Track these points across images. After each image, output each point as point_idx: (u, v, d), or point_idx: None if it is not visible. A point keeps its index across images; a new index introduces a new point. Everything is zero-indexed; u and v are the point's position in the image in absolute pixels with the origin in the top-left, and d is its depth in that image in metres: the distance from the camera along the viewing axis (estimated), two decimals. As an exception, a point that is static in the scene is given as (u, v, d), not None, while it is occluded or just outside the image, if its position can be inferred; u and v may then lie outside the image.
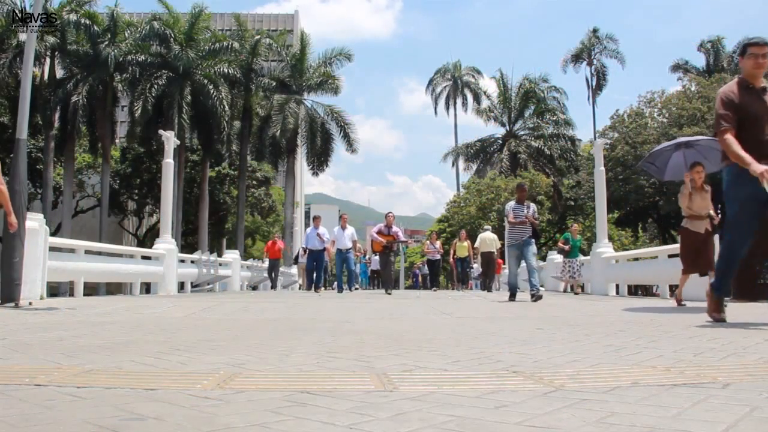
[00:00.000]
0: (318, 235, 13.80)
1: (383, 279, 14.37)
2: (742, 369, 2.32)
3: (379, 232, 12.81)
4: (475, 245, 25.11)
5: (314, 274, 14.07)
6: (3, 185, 5.63)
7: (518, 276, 9.22)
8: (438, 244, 16.76)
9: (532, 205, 9.03)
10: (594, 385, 1.99)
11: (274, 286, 18.25)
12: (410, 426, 1.48)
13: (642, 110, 29.33)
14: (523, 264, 9.36)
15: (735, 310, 6.31)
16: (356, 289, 14.67)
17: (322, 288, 15.16)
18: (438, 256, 16.54)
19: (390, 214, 13.20)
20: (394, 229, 12.99)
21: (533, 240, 8.80)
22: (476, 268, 22.66)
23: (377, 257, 17.94)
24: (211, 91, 27.95)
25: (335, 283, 15.30)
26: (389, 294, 11.72)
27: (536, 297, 8.35)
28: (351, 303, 8.07)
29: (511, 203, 9.08)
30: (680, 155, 8.55)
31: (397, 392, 1.89)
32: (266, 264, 21.89)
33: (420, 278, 32.56)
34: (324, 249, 14.02)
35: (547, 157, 36.51)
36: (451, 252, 16.51)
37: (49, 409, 1.67)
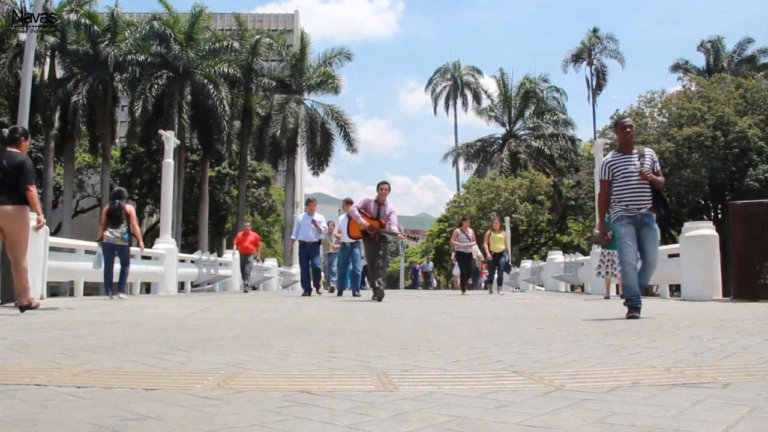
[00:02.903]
0: (313, 222, 10.81)
1: (369, 277, 9.27)
2: (742, 369, 2.32)
3: (365, 210, 8.54)
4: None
5: (308, 273, 11.24)
6: (137, 227, 8.97)
7: (638, 271, 5.21)
8: (471, 233, 12.91)
9: (649, 152, 5.33)
10: (594, 385, 1.99)
11: (245, 287, 14.53)
12: (410, 426, 1.48)
13: (642, 110, 29.32)
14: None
15: (735, 309, 6.31)
16: (357, 294, 10.43)
17: (321, 289, 12.32)
18: (470, 249, 12.79)
19: (384, 185, 8.68)
20: (389, 207, 8.55)
21: (655, 216, 5.22)
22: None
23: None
24: (211, 91, 27.95)
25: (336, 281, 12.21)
26: (378, 299, 8.25)
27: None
28: (351, 303, 8.06)
29: (610, 155, 5.41)
30: None
31: (397, 392, 1.89)
32: (268, 263, 21.60)
33: (421, 275, 31.75)
34: (320, 241, 11.30)
35: (547, 157, 36.54)
36: (485, 246, 12.99)
37: (49, 409, 1.67)
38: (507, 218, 26.86)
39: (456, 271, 25.68)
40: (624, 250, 5.18)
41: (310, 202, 11.42)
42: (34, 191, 5.53)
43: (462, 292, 12.40)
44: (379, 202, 8.49)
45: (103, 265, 8.98)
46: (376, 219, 8.43)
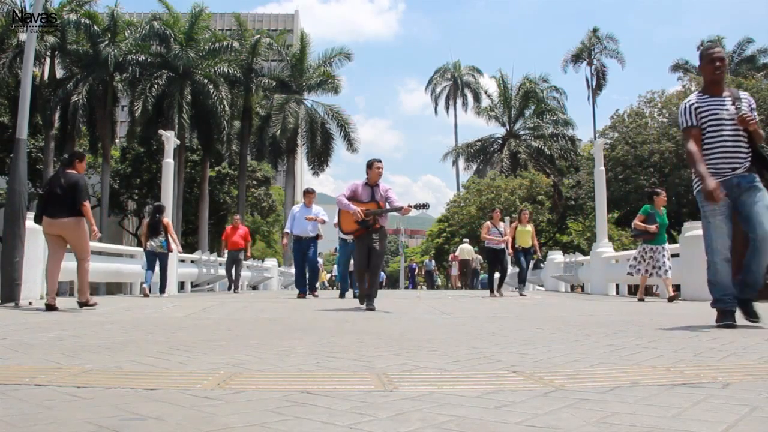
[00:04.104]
0: (309, 218, 9.76)
1: (358, 279, 7.02)
2: (742, 369, 2.32)
3: (354, 197, 6.54)
4: (456, 254, 25.45)
5: (304, 272, 10.00)
6: (174, 236, 10.77)
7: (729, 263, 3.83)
8: (503, 226, 11.29)
9: (746, 96, 4.05)
10: (594, 385, 1.99)
11: (231, 287, 13.11)
12: (410, 426, 1.48)
13: (642, 110, 29.30)
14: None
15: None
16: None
17: (318, 290, 11.26)
18: (503, 245, 11.02)
19: (378, 164, 6.65)
20: (383, 187, 6.62)
21: (758, 177, 3.93)
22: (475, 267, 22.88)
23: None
24: (211, 91, 27.95)
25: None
26: (369, 308, 6.34)
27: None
28: (351, 303, 8.06)
29: (694, 96, 4.09)
30: None
31: (397, 392, 1.89)
32: (268, 263, 21.52)
33: (423, 273, 31.42)
34: (317, 236, 10.00)
35: (547, 157, 36.52)
36: (509, 240, 11.23)
37: (49, 409, 1.67)
38: (507, 218, 26.88)
39: (454, 271, 25.75)
40: (713, 234, 3.85)
41: (308, 194, 10.22)
42: (87, 206, 6.39)
43: (490, 292, 11.03)
44: (371, 185, 6.58)
45: (146, 268, 10.63)
46: (372, 202, 6.53)
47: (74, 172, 6.46)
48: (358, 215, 6.33)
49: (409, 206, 6.36)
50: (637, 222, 9.01)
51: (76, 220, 6.29)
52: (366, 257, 6.58)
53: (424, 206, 6.52)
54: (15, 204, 6.95)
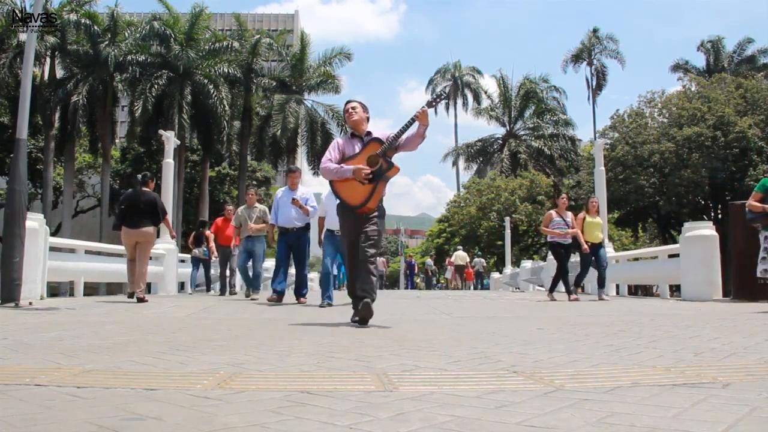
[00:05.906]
0: (294, 201, 7.51)
1: (349, 277, 4.84)
2: (742, 369, 2.32)
3: (342, 159, 4.57)
4: (451, 259, 25.70)
5: (287, 270, 8.17)
6: (213, 245, 12.15)
7: None
8: (570, 217, 9.40)
9: None
10: (594, 385, 1.99)
11: (225, 289, 11.35)
12: (410, 426, 1.48)
13: (642, 110, 29.30)
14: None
15: (735, 309, 6.31)
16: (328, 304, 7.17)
17: (306, 295, 8.35)
18: (570, 239, 9.25)
19: (352, 104, 4.71)
20: (381, 135, 4.56)
21: None
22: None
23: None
24: (211, 91, 27.93)
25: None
26: (361, 321, 4.37)
27: None
28: (350, 305, 8.03)
29: None
30: None
31: (397, 392, 1.89)
32: (267, 263, 21.09)
33: (426, 272, 31.12)
34: (306, 226, 7.89)
35: (547, 157, 36.54)
36: (579, 234, 9.24)
37: (49, 409, 1.67)
38: (507, 218, 26.91)
39: (448, 274, 25.84)
40: None
41: (291, 173, 8.07)
42: (168, 218, 8.08)
43: (549, 294, 9.77)
44: (360, 134, 4.65)
45: (192, 271, 13.09)
46: (372, 143, 4.52)
47: (148, 190, 7.83)
48: (363, 173, 4.38)
49: (423, 109, 4.39)
50: (751, 201, 6.51)
51: (154, 230, 7.84)
52: (356, 241, 4.52)
53: (440, 96, 4.88)
54: (15, 204, 6.94)
